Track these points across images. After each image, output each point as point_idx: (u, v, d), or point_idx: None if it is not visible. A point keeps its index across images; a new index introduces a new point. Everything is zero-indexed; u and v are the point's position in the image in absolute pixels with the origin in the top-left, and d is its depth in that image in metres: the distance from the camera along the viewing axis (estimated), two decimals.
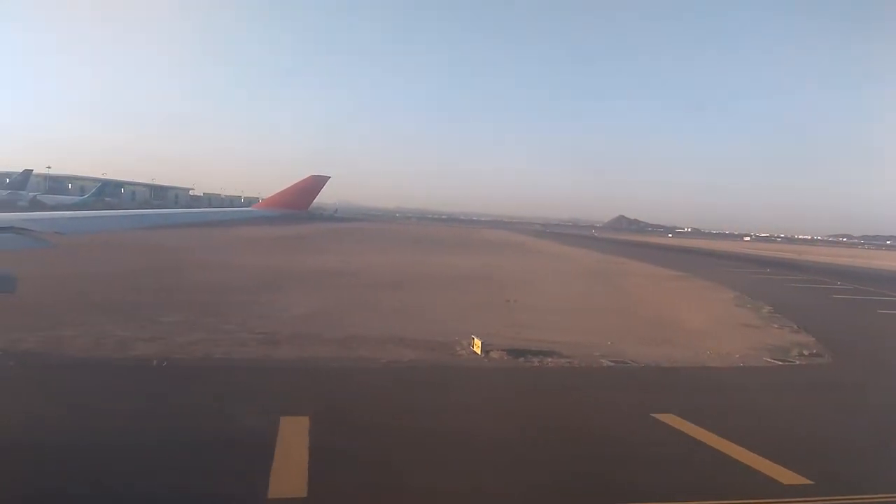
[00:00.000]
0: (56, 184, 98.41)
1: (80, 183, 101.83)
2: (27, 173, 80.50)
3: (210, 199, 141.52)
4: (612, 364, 12.10)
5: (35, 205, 68.67)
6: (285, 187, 11.71)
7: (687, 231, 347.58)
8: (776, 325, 17.81)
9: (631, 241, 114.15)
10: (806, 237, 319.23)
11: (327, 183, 11.73)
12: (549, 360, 12.11)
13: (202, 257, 28.75)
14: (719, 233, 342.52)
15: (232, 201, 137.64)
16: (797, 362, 13.21)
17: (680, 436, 7.93)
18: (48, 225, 7.06)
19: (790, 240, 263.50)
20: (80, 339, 11.75)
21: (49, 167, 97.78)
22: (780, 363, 13.01)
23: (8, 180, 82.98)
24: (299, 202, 11.26)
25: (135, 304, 15.73)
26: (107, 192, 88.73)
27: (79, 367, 10.08)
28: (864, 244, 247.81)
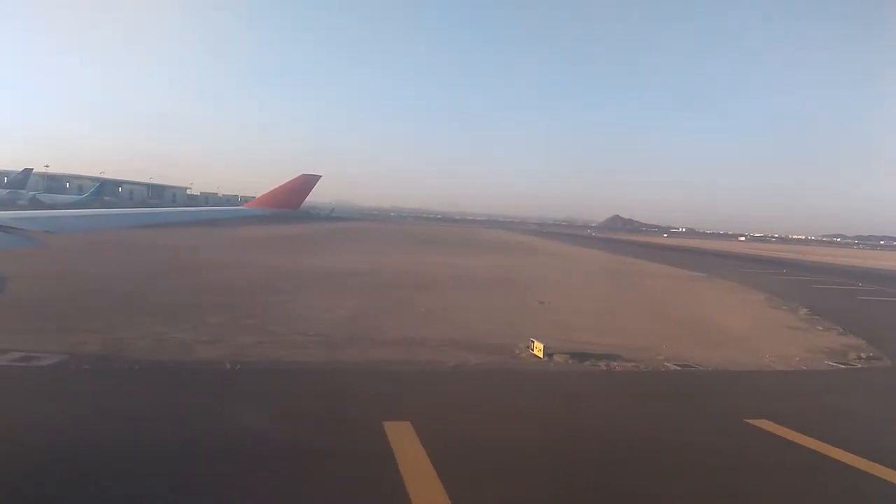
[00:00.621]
0: (54, 183, 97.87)
1: (78, 182, 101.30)
2: (27, 172, 79.90)
3: (207, 199, 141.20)
4: (678, 368, 11.94)
5: (34, 204, 68.35)
6: (276, 186, 11.69)
7: (681, 231, 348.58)
8: (820, 328, 17.70)
9: (631, 240, 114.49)
10: (800, 237, 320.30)
11: (320, 182, 11.76)
12: (616, 363, 11.96)
13: (211, 257, 28.54)
14: (713, 233, 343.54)
15: (229, 200, 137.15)
16: (859, 365, 13.08)
17: (786, 443, 7.77)
18: (38, 223, 6.92)
19: (784, 240, 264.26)
20: (140, 342, 11.55)
21: (47, 166, 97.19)
22: (842, 366, 12.88)
23: (6, 179, 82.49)
24: (291, 201, 11.26)
25: (170, 306, 15.51)
26: (105, 191, 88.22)
27: (156, 370, 9.89)
28: (858, 244, 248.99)
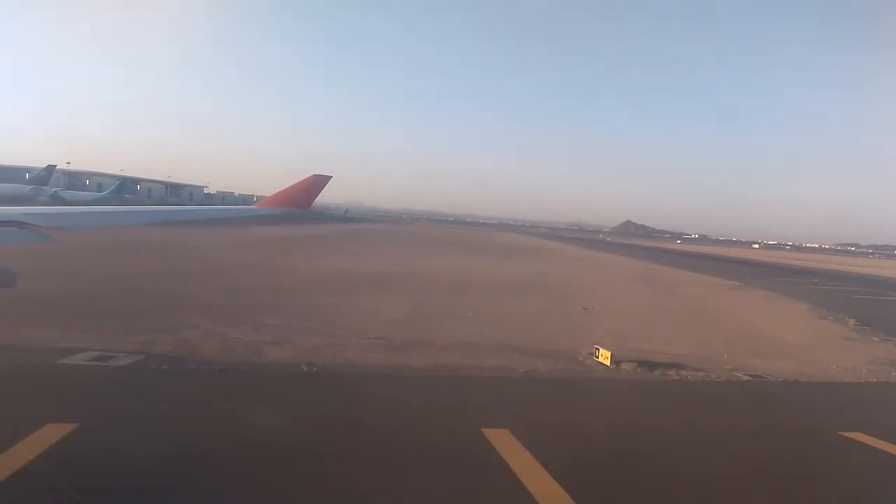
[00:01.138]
0: (75, 180, 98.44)
1: (98, 179, 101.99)
2: (50, 169, 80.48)
3: (224, 197, 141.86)
4: (749, 378, 11.78)
5: (56, 200, 68.89)
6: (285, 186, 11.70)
7: (694, 237, 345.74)
8: (876, 339, 17.47)
9: (647, 246, 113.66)
10: (814, 245, 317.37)
11: (332, 182, 11.80)
12: (685, 372, 11.83)
13: (240, 257, 28.55)
14: (726, 239, 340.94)
15: (245, 199, 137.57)
16: None
17: (889, 457, 7.59)
18: (52, 219, 6.83)
19: (799, 248, 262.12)
20: (207, 342, 11.54)
21: (69, 162, 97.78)
22: None
23: (28, 175, 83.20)
24: (301, 201, 11.08)
25: (219, 306, 15.53)
26: (125, 188, 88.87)
27: (236, 371, 9.88)
28: (874, 254, 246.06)
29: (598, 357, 12.26)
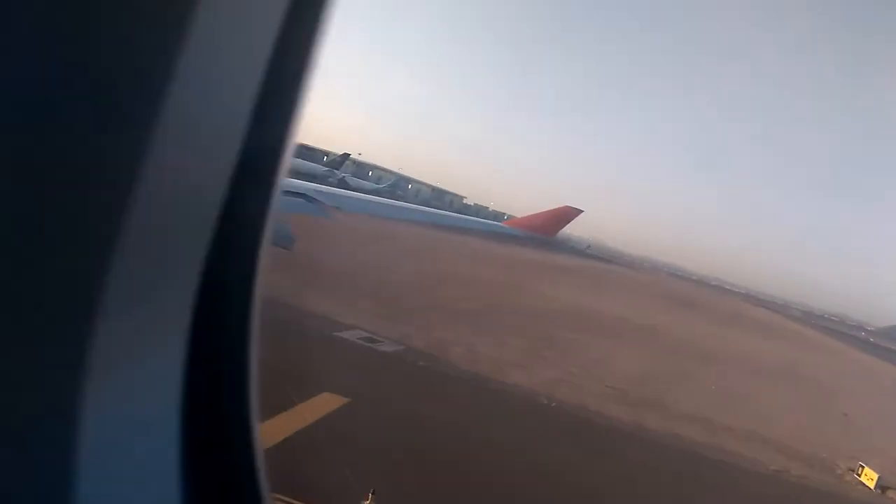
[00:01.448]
0: (361, 169, 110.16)
1: (378, 172, 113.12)
2: (345, 156, 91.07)
3: (478, 210, 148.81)
4: None
5: (342, 184, 77.33)
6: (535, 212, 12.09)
7: None
8: None
9: None
10: None
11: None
12: None
13: (494, 273, 30.28)
14: None
15: (496, 216, 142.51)
16: None
17: None
18: (333, 199, 7.62)
19: None
20: (457, 348, 12.52)
21: (360, 154, 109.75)
22: None
23: (326, 158, 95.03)
24: (548, 229, 11.42)
25: (471, 314, 16.67)
26: (398, 185, 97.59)
27: (481, 385, 10.73)
28: None
29: (860, 475, 11.06)
